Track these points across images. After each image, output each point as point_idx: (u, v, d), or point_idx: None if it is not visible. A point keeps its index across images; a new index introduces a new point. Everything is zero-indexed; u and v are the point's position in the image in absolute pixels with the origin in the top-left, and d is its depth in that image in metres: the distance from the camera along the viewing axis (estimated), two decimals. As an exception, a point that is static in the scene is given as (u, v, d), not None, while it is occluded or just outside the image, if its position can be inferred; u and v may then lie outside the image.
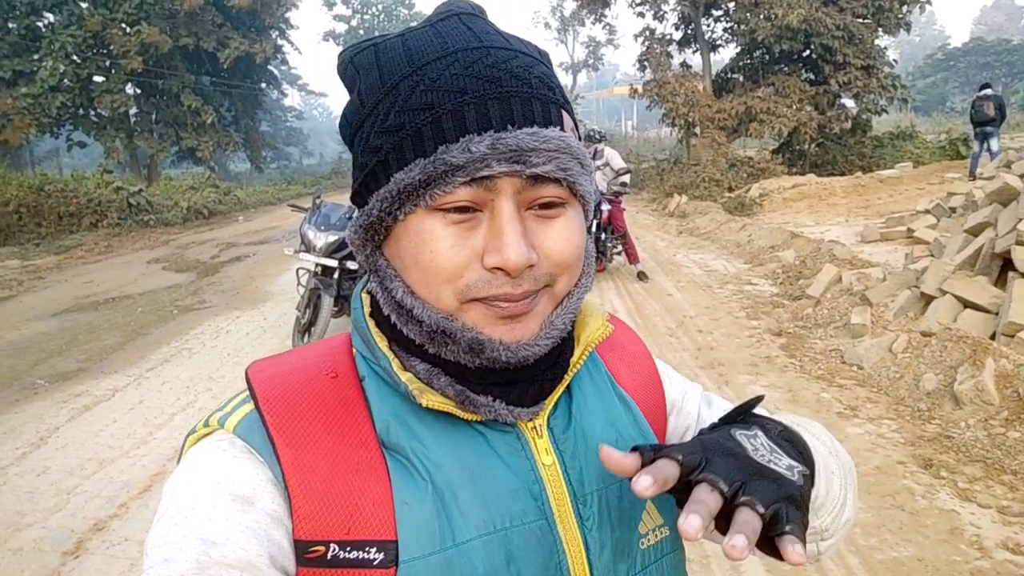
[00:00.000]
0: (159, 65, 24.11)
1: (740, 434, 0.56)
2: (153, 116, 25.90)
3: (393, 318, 0.63)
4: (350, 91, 0.65)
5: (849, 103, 19.96)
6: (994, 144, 12.37)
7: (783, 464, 0.54)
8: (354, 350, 0.68)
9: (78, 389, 5.61)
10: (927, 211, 9.27)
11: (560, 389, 0.67)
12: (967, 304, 5.13)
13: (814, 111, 18.78)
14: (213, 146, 26.51)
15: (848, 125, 19.77)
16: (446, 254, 0.58)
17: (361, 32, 46.91)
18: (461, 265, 0.58)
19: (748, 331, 6.12)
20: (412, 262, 0.60)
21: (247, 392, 0.63)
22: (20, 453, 4.42)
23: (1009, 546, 2.95)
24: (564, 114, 0.62)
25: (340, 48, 46.37)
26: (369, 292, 0.69)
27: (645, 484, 0.49)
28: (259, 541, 0.55)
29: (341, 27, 46.57)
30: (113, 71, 23.15)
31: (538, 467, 0.64)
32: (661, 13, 21.54)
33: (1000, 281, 5.35)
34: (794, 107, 18.66)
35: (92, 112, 23.91)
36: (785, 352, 5.51)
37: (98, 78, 23.36)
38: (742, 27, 19.22)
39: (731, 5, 20.07)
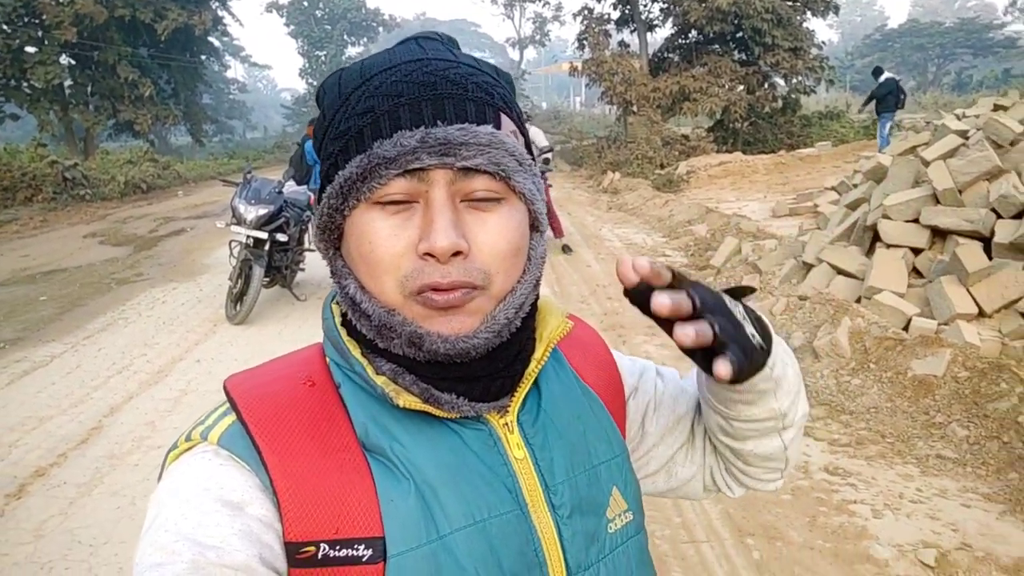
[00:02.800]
0: (94, 37, 23.62)
1: (728, 300, 0.65)
2: (89, 88, 25.37)
3: (349, 314, 0.67)
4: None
5: (780, 83, 20.71)
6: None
7: (748, 330, 0.64)
8: (327, 359, 0.71)
9: (17, 356, 5.87)
10: (833, 188, 9.93)
11: (527, 386, 0.71)
12: (839, 271, 5.73)
13: (744, 91, 19.45)
14: (151, 119, 26.11)
15: (779, 105, 20.52)
16: (384, 244, 0.62)
17: (305, 3, 46.23)
18: (398, 255, 0.61)
19: (653, 298, 6.65)
20: (357, 256, 0.64)
21: (227, 404, 0.66)
22: (-39, 413, 4.71)
23: (828, 469, 3.52)
24: (504, 117, 0.66)
25: (283, 19, 45.63)
26: (339, 302, 0.71)
27: (663, 302, 0.58)
28: (251, 543, 0.57)
29: (284, -1, 45.82)
30: (46, 42, 22.60)
31: (510, 461, 0.68)
32: (599, -8, 21.97)
33: (871, 251, 5.95)
34: (726, 87, 19.32)
35: (25, 84, 23.33)
36: (681, 316, 6.05)
37: (30, 49, 22.77)
38: (676, 8, 19.75)
39: (666, -14, 20.59)
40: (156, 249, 10.86)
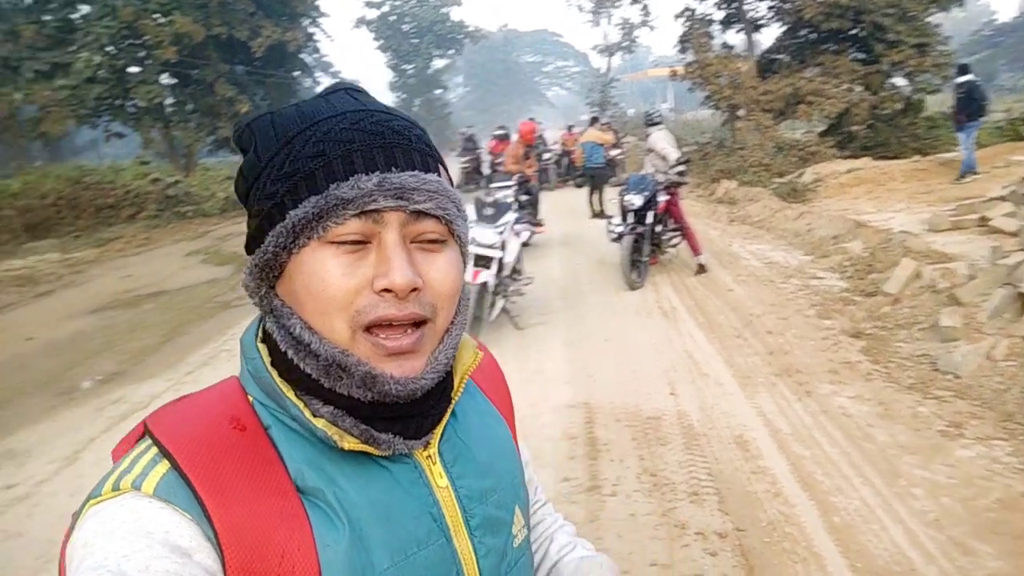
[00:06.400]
0: (193, 55, 23.96)
1: None
2: (189, 106, 25.87)
3: (290, 354, 0.65)
4: (245, 152, 0.68)
5: (901, 83, 19.13)
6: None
7: None
8: (250, 398, 0.68)
9: (116, 395, 5.37)
10: (1002, 198, 8.67)
11: (446, 418, 0.73)
12: (1076, 304, 4.65)
13: (865, 91, 18.01)
14: (248, 136, 26.49)
15: (900, 106, 18.93)
16: (337, 282, 0.62)
17: (392, 18, 46.62)
18: (351, 292, 0.62)
19: (822, 332, 5.67)
20: (306, 294, 0.63)
21: (152, 449, 0.62)
22: (54, 469, 4.17)
23: None
24: (441, 168, 0.70)
25: (372, 35, 46.47)
26: (265, 342, 0.69)
27: None
28: None
29: (373, 13, 46.42)
30: (148, 62, 23.07)
31: (435, 491, 0.70)
32: (702, -8, 20.88)
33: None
34: (844, 88, 17.92)
35: (129, 103, 23.86)
36: (867, 357, 5.05)
37: (133, 69, 23.28)
38: (787, 5, 18.49)
39: (777, -18, 19.34)
40: (256, 269, 10.49)
